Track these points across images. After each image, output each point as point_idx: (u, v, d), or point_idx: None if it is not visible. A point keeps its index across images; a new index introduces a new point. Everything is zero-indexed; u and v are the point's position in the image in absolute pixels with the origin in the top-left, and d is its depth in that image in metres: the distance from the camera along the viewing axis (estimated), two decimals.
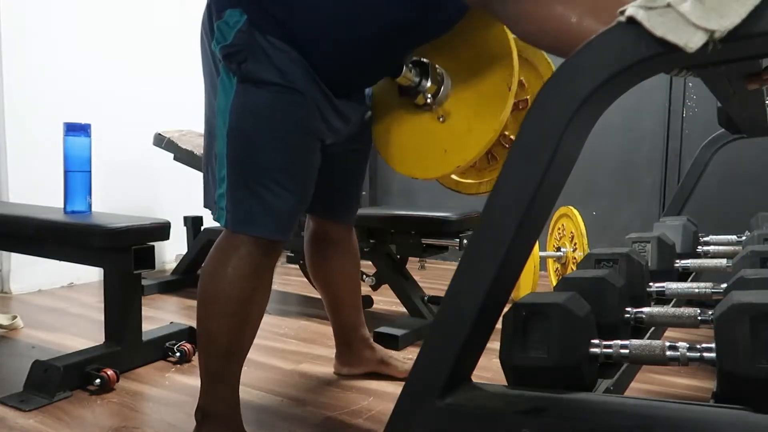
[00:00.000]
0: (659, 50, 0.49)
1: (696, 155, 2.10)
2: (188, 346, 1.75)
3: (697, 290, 0.99)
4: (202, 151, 2.46)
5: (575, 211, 2.43)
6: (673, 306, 1.02)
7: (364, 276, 2.15)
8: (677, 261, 1.25)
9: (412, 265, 2.29)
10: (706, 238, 1.50)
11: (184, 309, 2.44)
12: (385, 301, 2.40)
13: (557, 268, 2.58)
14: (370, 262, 2.20)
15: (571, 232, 2.47)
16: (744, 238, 1.39)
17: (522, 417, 0.56)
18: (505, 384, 0.68)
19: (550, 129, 0.55)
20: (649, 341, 0.68)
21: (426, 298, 2.15)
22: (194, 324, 1.34)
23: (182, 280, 2.77)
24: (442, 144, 1.18)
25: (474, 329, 0.59)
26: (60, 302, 2.51)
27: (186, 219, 2.88)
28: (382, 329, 1.91)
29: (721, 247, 1.42)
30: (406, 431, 0.62)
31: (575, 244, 2.43)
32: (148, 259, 1.62)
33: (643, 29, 0.49)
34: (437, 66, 1.18)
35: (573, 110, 0.54)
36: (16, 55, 2.57)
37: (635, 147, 3.01)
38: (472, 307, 0.58)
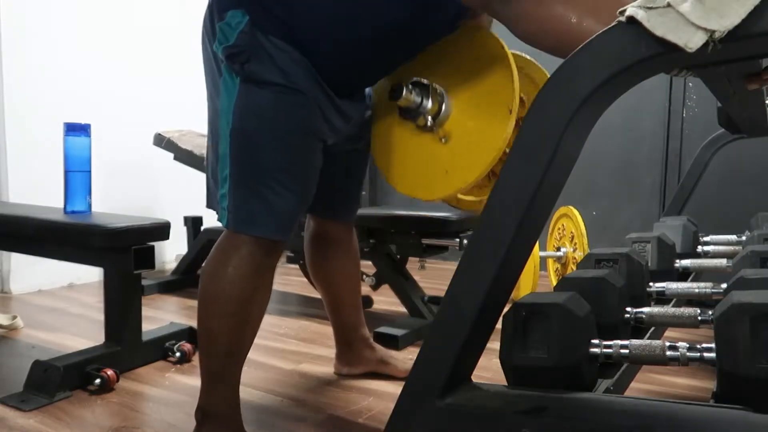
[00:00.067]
0: (659, 50, 0.49)
1: (696, 155, 2.10)
2: (188, 346, 1.75)
3: (697, 290, 0.99)
4: (202, 151, 2.46)
5: (575, 211, 2.43)
6: (673, 306, 1.02)
7: (364, 276, 2.15)
8: (677, 261, 1.25)
9: (412, 265, 2.29)
10: (706, 238, 1.50)
11: (184, 309, 2.44)
12: (385, 301, 2.40)
13: (557, 268, 2.58)
14: (370, 262, 2.20)
15: (571, 232, 2.47)
16: (744, 238, 1.39)
17: (522, 417, 0.56)
18: (505, 384, 0.68)
19: (550, 129, 0.55)
20: (649, 341, 0.68)
21: (426, 298, 2.15)
22: (194, 324, 1.34)
23: (182, 280, 2.77)
24: (444, 165, 1.16)
25: (474, 329, 0.59)
26: (60, 302, 2.51)
27: (186, 219, 2.88)
28: (382, 329, 1.91)
29: (721, 247, 1.42)
30: (406, 431, 0.62)
31: (575, 244, 2.43)
32: (148, 259, 1.62)
33: (643, 29, 0.49)
34: (437, 86, 1.17)
35: (573, 110, 0.54)
36: (16, 55, 2.57)
37: (635, 147, 3.01)
38: (472, 307, 0.58)
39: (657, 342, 0.67)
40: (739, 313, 0.57)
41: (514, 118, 1.08)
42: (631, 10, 0.50)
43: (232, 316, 1.13)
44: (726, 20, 0.46)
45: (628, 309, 0.83)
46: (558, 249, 2.55)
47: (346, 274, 1.55)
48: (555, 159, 0.55)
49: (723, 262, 1.20)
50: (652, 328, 0.93)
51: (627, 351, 0.67)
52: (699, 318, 0.80)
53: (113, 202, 2.59)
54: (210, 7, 1.12)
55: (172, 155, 2.67)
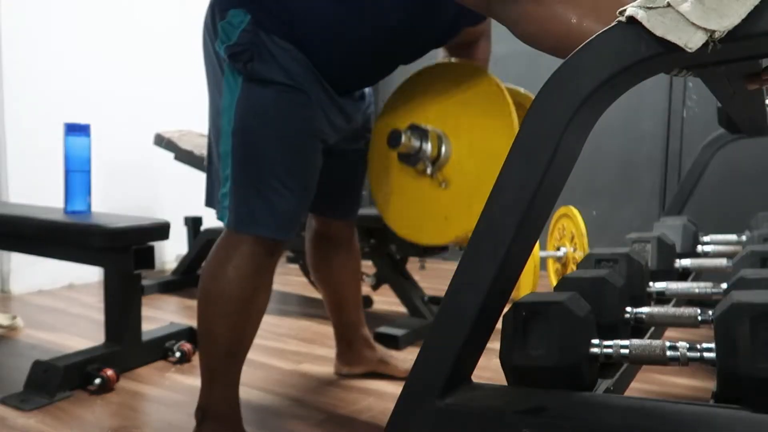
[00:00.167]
0: (659, 50, 0.49)
1: (696, 155, 2.10)
2: (188, 346, 1.75)
3: (697, 290, 0.99)
4: (202, 151, 2.46)
5: (575, 211, 2.42)
6: (673, 306, 1.02)
7: (364, 276, 2.15)
8: (677, 261, 1.25)
9: (412, 265, 2.29)
10: (706, 238, 1.50)
11: (184, 309, 2.44)
12: (385, 301, 2.40)
13: (557, 268, 2.58)
14: (370, 262, 2.20)
15: (571, 232, 2.46)
16: (744, 238, 1.39)
17: (522, 417, 0.56)
18: (505, 384, 0.68)
19: (550, 129, 0.55)
20: (649, 341, 0.68)
21: (426, 298, 2.15)
22: (194, 324, 1.34)
23: (182, 280, 2.77)
24: (444, 211, 1.16)
25: (474, 329, 0.59)
26: (60, 302, 2.51)
27: (186, 219, 2.88)
28: (382, 329, 1.91)
29: (721, 247, 1.42)
30: (406, 431, 0.62)
31: (575, 244, 2.43)
32: (148, 259, 1.62)
33: (643, 29, 0.49)
34: (436, 129, 1.16)
35: (573, 110, 0.54)
36: (16, 55, 2.57)
37: (635, 147, 3.01)
38: (472, 307, 0.58)
39: (657, 342, 0.67)
40: (739, 313, 0.57)
41: None
42: (631, 10, 0.50)
43: (232, 315, 1.13)
44: (726, 20, 0.46)
45: (628, 309, 0.83)
46: (558, 249, 2.55)
47: (347, 273, 1.55)
48: (555, 159, 0.55)
49: (723, 262, 1.20)
50: (652, 328, 0.93)
51: (627, 351, 0.67)
52: (699, 318, 0.80)
53: (113, 202, 2.59)
54: (211, 7, 1.12)
55: (172, 155, 2.67)
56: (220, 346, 1.14)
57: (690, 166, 2.11)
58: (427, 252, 2.12)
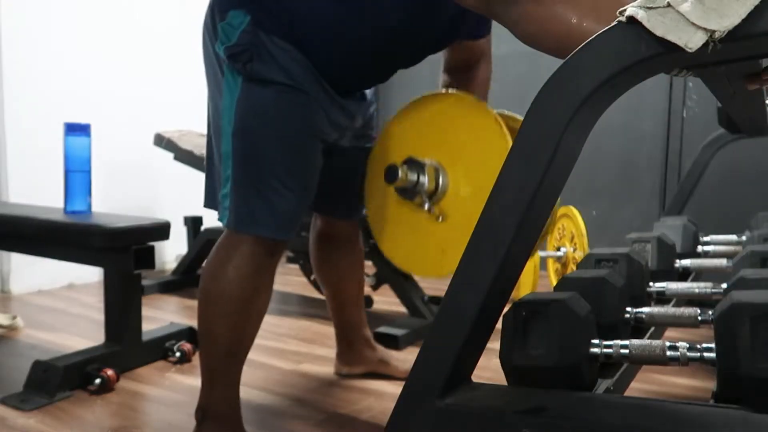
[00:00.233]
0: (659, 50, 0.49)
1: (696, 155, 2.10)
2: (188, 346, 1.75)
3: (697, 290, 0.99)
4: (202, 151, 2.46)
5: (575, 211, 2.42)
6: (673, 306, 1.02)
7: (365, 276, 2.15)
8: (677, 261, 1.25)
9: None
10: (706, 238, 1.50)
11: (184, 309, 2.44)
12: (385, 301, 2.40)
13: (557, 268, 2.58)
14: (370, 262, 2.20)
15: (571, 232, 2.46)
16: (744, 238, 1.39)
17: (522, 417, 0.56)
18: (505, 384, 0.68)
19: (550, 129, 0.55)
20: (649, 341, 0.68)
21: (426, 298, 2.15)
22: (194, 324, 1.34)
23: (182, 280, 2.77)
24: (441, 244, 1.15)
25: (474, 329, 0.59)
26: (60, 302, 2.51)
27: (186, 219, 2.88)
28: (382, 329, 1.91)
29: (721, 247, 1.42)
30: (406, 431, 0.62)
31: (575, 244, 2.43)
32: (148, 259, 1.62)
33: (643, 29, 0.49)
34: (433, 162, 1.14)
35: (573, 110, 0.54)
36: (16, 55, 2.57)
37: (635, 147, 3.01)
38: (472, 307, 0.58)
39: (657, 342, 0.67)
40: (739, 313, 0.57)
41: None
42: (631, 10, 0.50)
43: (232, 315, 1.13)
44: (726, 20, 0.46)
45: (628, 309, 0.83)
46: (558, 249, 2.55)
47: (350, 273, 1.55)
48: (555, 159, 0.55)
49: (723, 262, 1.20)
50: (652, 328, 0.93)
51: (627, 351, 0.67)
52: (699, 318, 0.80)
53: (113, 202, 2.59)
54: (211, 8, 1.12)
55: (172, 155, 2.67)
56: (220, 346, 1.14)
57: (690, 166, 2.11)
58: None
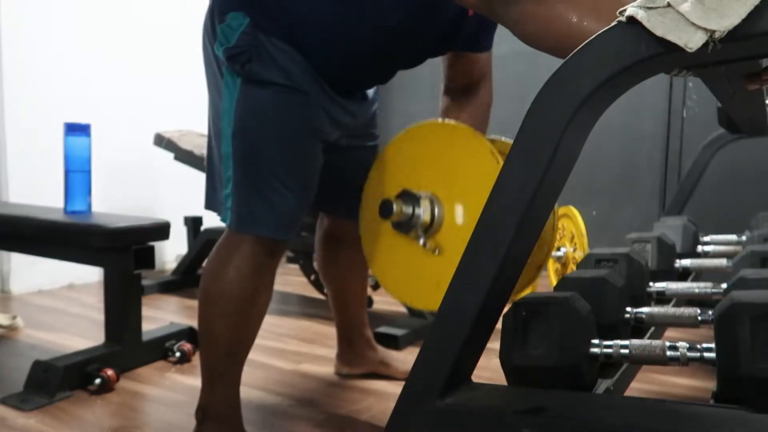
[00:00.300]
0: (659, 50, 0.49)
1: (696, 155, 2.10)
2: (188, 346, 1.75)
3: (697, 290, 0.99)
4: (202, 151, 2.46)
5: (575, 211, 2.42)
6: (673, 306, 1.02)
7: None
8: (677, 261, 1.25)
9: None
10: (706, 238, 1.50)
11: (184, 309, 2.44)
12: (385, 301, 2.40)
13: (557, 268, 2.58)
14: None
15: (571, 232, 2.46)
16: (744, 238, 1.39)
17: (522, 417, 0.56)
18: (505, 384, 0.68)
19: (550, 129, 0.55)
20: (649, 341, 0.68)
21: None
22: (194, 324, 1.34)
23: (182, 280, 2.77)
24: (436, 276, 1.12)
25: (474, 329, 0.59)
26: (60, 302, 2.51)
27: (186, 219, 2.88)
28: (382, 329, 1.91)
29: (721, 247, 1.42)
30: (406, 431, 0.62)
31: (575, 244, 2.43)
32: (148, 259, 1.62)
33: (643, 29, 0.49)
34: (428, 194, 1.12)
35: (573, 110, 0.54)
36: (16, 55, 2.57)
37: (635, 147, 3.01)
38: (472, 307, 0.58)
39: (657, 342, 0.67)
40: (739, 313, 0.57)
41: None
42: (631, 10, 0.50)
43: (232, 315, 1.13)
44: (726, 20, 0.46)
45: (628, 309, 0.83)
46: (558, 249, 2.55)
47: (354, 273, 1.55)
48: (555, 159, 0.55)
49: (723, 262, 1.20)
50: (652, 328, 0.93)
51: (627, 351, 0.67)
52: (699, 318, 0.80)
53: (113, 202, 2.59)
54: (210, 11, 1.13)
55: (172, 155, 2.67)
56: (220, 346, 1.14)
57: (690, 166, 2.11)
58: None
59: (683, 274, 1.29)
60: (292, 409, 1.44)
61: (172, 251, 3.11)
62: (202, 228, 2.83)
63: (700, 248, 1.43)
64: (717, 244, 1.45)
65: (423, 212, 1.11)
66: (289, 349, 1.90)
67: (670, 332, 1.35)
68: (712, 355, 0.61)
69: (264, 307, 1.18)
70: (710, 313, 0.78)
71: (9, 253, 2.58)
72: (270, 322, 2.17)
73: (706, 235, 1.53)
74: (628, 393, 0.78)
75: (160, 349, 1.75)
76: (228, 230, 1.14)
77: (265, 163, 1.09)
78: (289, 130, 1.10)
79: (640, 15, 0.49)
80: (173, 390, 1.55)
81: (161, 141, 2.70)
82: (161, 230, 1.66)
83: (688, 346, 0.65)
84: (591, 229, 2.48)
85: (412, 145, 1.21)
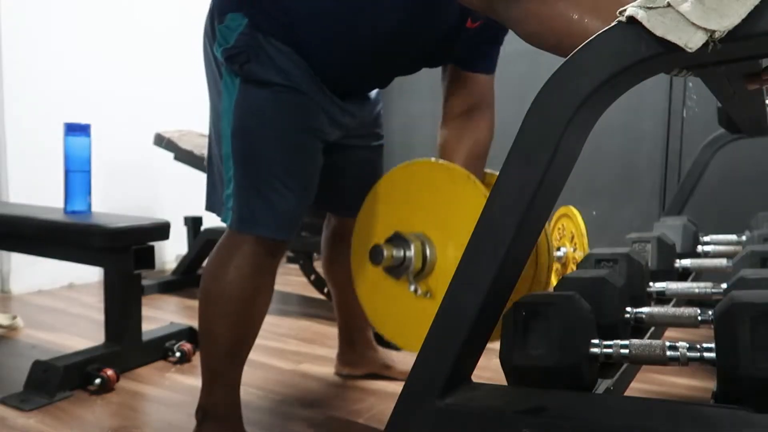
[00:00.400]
0: (659, 50, 0.49)
1: (696, 155, 2.10)
2: (188, 346, 1.75)
3: (697, 290, 0.99)
4: (202, 151, 2.46)
5: (575, 211, 2.42)
6: (673, 306, 1.02)
7: None
8: (677, 261, 1.25)
9: None
10: (706, 238, 1.50)
11: (184, 309, 2.44)
12: None
13: (557, 268, 2.58)
14: None
15: (571, 232, 2.46)
16: (744, 238, 1.39)
17: (522, 416, 0.56)
18: (505, 384, 0.68)
19: (550, 129, 0.55)
20: (649, 341, 0.68)
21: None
22: (194, 324, 1.34)
23: (182, 280, 2.77)
24: (428, 320, 1.11)
25: (474, 329, 0.59)
26: (60, 302, 2.51)
27: (186, 219, 2.88)
28: None
29: (721, 247, 1.42)
30: (406, 431, 0.62)
31: (575, 244, 2.43)
32: (148, 259, 1.62)
33: (643, 29, 0.49)
34: (420, 235, 1.10)
35: (573, 110, 0.54)
36: (16, 55, 2.57)
37: (635, 147, 3.01)
38: (472, 307, 0.58)
39: (657, 342, 0.67)
40: (739, 313, 0.57)
41: None
42: (631, 9, 0.50)
43: (232, 315, 1.13)
44: (726, 20, 0.46)
45: (628, 309, 0.83)
46: (558, 249, 2.54)
47: None
48: (555, 159, 0.55)
49: (723, 262, 1.20)
50: (652, 328, 0.93)
51: (627, 351, 0.67)
52: (699, 318, 0.80)
53: (113, 202, 2.59)
54: (211, 12, 1.13)
55: (172, 155, 2.67)
56: (220, 347, 1.14)
57: (690, 166, 2.11)
58: None
59: (683, 274, 1.29)
60: (292, 409, 1.44)
61: (172, 251, 3.11)
62: (202, 228, 2.83)
63: (700, 248, 1.43)
64: (717, 244, 1.45)
65: (414, 258, 1.08)
66: (289, 349, 1.90)
67: (670, 332, 1.35)
68: (712, 355, 0.61)
69: (264, 307, 1.18)
70: (710, 313, 0.78)
71: (9, 253, 2.58)
72: (270, 322, 2.17)
73: (706, 235, 1.53)
74: (628, 393, 0.78)
75: (160, 349, 1.75)
76: (228, 230, 1.14)
77: (265, 163, 1.09)
78: (288, 130, 1.10)
79: (640, 15, 0.49)
80: (173, 390, 1.55)
81: (161, 141, 2.70)
82: (161, 230, 1.66)
83: (688, 346, 0.65)
84: (591, 229, 2.47)
85: (405, 185, 1.17)
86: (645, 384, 1.56)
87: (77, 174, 1.80)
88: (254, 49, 1.06)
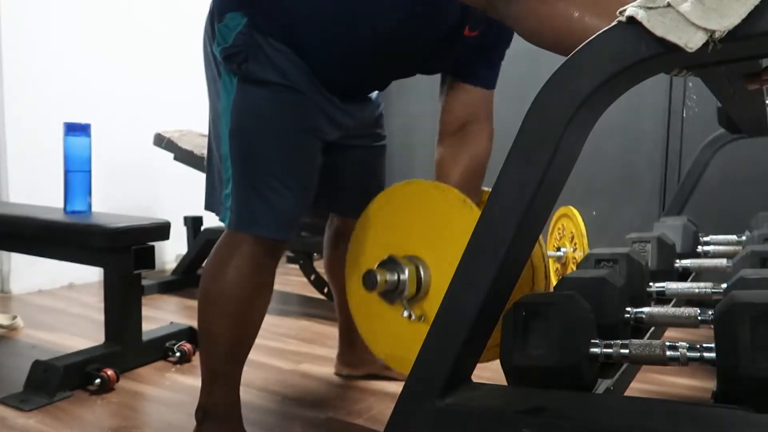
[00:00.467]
0: (659, 50, 0.49)
1: (696, 155, 2.10)
2: (188, 346, 1.75)
3: (697, 290, 0.99)
4: (202, 151, 2.46)
5: (575, 211, 2.42)
6: (673, 306, 1.02)
7: None
8: (677, 261, 1.25)
9: None
10: (706, 238, 1.50)
11: (184, 309, 2.44)
12: None
13: (557, 268, 2.58)
14: None
15: (571, 232, 2.46)
16: (744, 238, 1.40)
17: (522, 417, 0.56)
18: (505, 384, 0.68)
19: (550, 129, 0.55)
20: (649, 341, 0.68)
21: None
22: (194, 324, 1.34)
23: (182, 280, 2.77)
24: (421, 344, 1.10)
25: (474, 329, 0.59)
26: (60, 302, 2.51)
27: (186, 219, 2.88)
28: None
29: (721, 247, 1.42)
30: (406, 431, 0.62)
31: (575, 244, 2.43)
32: (148, 259, 1.62)
33: (643, 29, 0.49)
34: (413, 259, 1.09)
35: (573, 110, 0.54)
36: (16, 55, 2.57)
37: (635, 147, 3.01)
38: (472, 307, 0.58)
39: (657, 342, 0.67)
40: (739, 313, 0.57)
41: None
42: (631, 9, 0.50)
43: (232, 315, 1.13)
44: (726, 20, 0.46)
45: (628, 309, 0.83)
46: (558, 249, 2.54)
47: None
48: (555, 159, 0.55)
49: (723, 262, 1.20)
50: (652, 328, 0.93)
51: (627, 351, 0.67)
52: (699, 318, 0.80)
53: (113, 202, 2.59)
54: (211, 12, 1.13)
55: (172, 155, 2.67)
56: (220, 347, 1.14)
57: (690, 166, 2.11)
58: None
59: (683, 274, 1.29)
60: (292, 409, 1.44)
61: (172, 251, 3.10)
62: (202, 228, 2.83)
63: (700, 248, 1.43)
64: (717, 244, 1.45)
65: (408, 283, 1.07)
66: (289, 349, 1.90)
67: (670, 332, 1.35)
68: (712, 355, 0.61)
69: (264, 307, 1.18)
70: (710, 313, 0.78)
71: (9, 253, 2.58)
72: (270, 322, 2.17)
73: (706, 235, 1.53)
74: (628, 393, 0.78)
75: (160, 349, 1.75)
76: (227, 230, 1.14)
77: (263, 162, 1.09)
78: (287, 129, 1.10)
79: (640, 15, 0.49)
80: (173, 390, 1.55)
81: (161, 141, 2.69)
82: (161, 230, 1.66)
83: (688, 346, 0.65)
84: (591, 229, 2.48)
85: (400, 206, 1.16)
86: (645, 384, 1.56)
87: (77, 174, 1.80)
88: (252, 48, 1.06)
